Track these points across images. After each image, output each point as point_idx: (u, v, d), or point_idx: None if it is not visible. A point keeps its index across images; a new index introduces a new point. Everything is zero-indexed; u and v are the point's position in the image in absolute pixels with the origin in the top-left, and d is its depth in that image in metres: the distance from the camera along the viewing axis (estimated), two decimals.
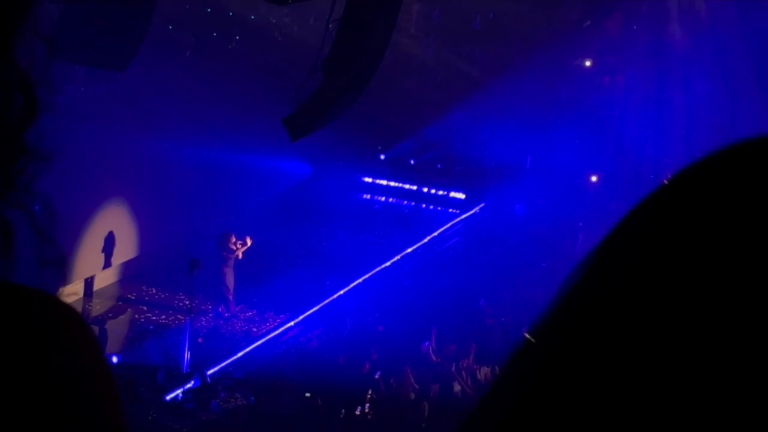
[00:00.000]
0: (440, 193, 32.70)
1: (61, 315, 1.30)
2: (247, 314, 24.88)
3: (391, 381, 20.47)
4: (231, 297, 24.87)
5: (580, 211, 28.85)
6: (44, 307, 1.28)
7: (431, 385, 20.29)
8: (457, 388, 20.35)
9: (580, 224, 28.52)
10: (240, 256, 24.89)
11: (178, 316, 24.22)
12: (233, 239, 24.86)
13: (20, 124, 1.33)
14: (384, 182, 33.08)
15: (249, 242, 25.03)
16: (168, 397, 20.39)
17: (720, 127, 29.49)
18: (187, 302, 23.11)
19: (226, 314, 24.70)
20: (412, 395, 20.06)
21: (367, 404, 19.99)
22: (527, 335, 1.11)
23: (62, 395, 1.23)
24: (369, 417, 19.85)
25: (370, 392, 20.14)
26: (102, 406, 1.27)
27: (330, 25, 18.30)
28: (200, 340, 22.77)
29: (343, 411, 19.79)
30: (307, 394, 20.31)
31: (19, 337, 1.24)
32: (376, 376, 20.40)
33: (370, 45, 18.27)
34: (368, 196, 33.05)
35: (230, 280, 24.87)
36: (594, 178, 31.14)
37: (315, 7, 20.00)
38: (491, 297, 24.67)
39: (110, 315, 24.90)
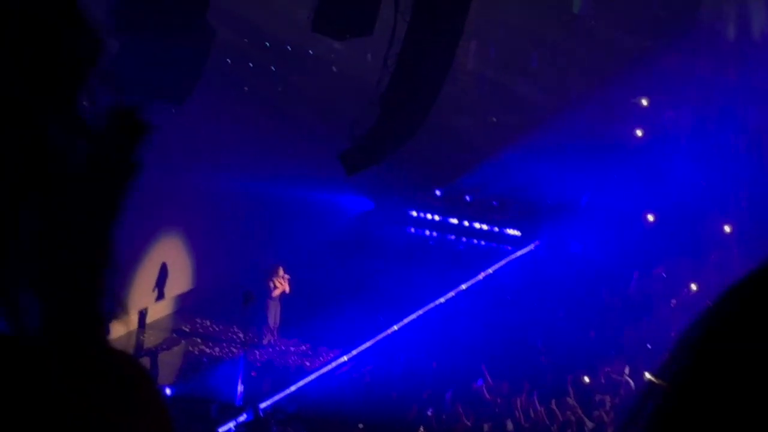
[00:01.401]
0: (495, 229, 32.59)
1: (134, 374, 1.34)
2: (301, 348, 24.88)
3: (443, 417, 20.38)
4: (273, 329, 24.88)
5: (635, 249, 28.62)
6: (118, 367, 1.32)
7: (484, 422, 20.18)
8: (510, 426, 20.22)
9: (636, 264, 28.23)
10: (287, 289, 24.92)
11: (232, 348, 24.27)
12: (281, 272, 24.91)
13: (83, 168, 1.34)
14: (439, 218, 33.01)
15: (286, 278, 25.07)
16: (220, 431, 20.40)
17: None
18: (241, 335, 23.15)
19: (270, 348, 24.71)
20: None
21: None
22: (652, 378, 1.14)
23: None
24: None
25: (421, 429, 20.05)
26: None
27: (387, 61, 18.37)
28: (253, 373, 22.78)
29: None
30: (360, 425, 20.25)
31: (96, 396, 1.26)
32: (429, 413, 20.31)
33: (427, 81, 18.31)
34: (423, 232, 32.99)
35: (273, 313, 24.87)
36: (650, 218, 30.88)
37: (372, 42, 20.05)
38: (546, 335, 24.54)
39: (164, 347, 24.99)
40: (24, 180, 1.25)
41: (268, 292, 24.78)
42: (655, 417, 1.09)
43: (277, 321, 24.93)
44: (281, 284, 24.92)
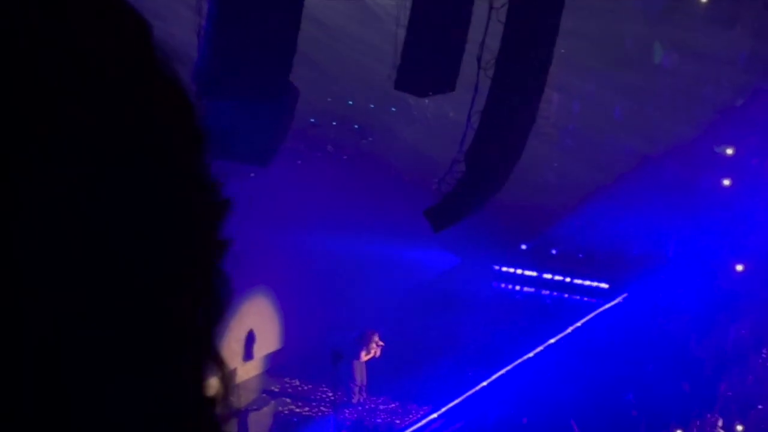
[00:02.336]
0: (582, 282, 32.38)
1: None
2: (390, 406, 24.83)
3: None
4: (362, 388, 24.87)
5: (724, 300, 28.27)
6: None
7: None
8: None
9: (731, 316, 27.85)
10: (377, 355, 24.92)
11: (322, 408, 24.28)
12: (376, 338, 24.93)
13: None
14: (525, 272, 32.89)
15: (380, 345, 25.08)
16: None
17: None
18: (330, 394, 23.16)
19: (359, 407, 24.68)
20: None
21: None
22: None
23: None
24: None
25: None
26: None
27: (471, 118, 18.40)
28: None
29: None
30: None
31: None
32: None
33: (512, 137, 18.31)
34: (509, 286, 32.87)
35: (361, 372, 24.87)
36: (739, 268, 30.50)
37: (455, 98, 20.09)
38: (636, 389, 24.29)
39: (254, 407, 25.06)
40: None
41: (358, 354, 24.82)
42: None
43: (365, 380, 24.91)
44: (374, 350, 24.94)
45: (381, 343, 24.91)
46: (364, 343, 24.71)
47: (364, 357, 24.73)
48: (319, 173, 26.37)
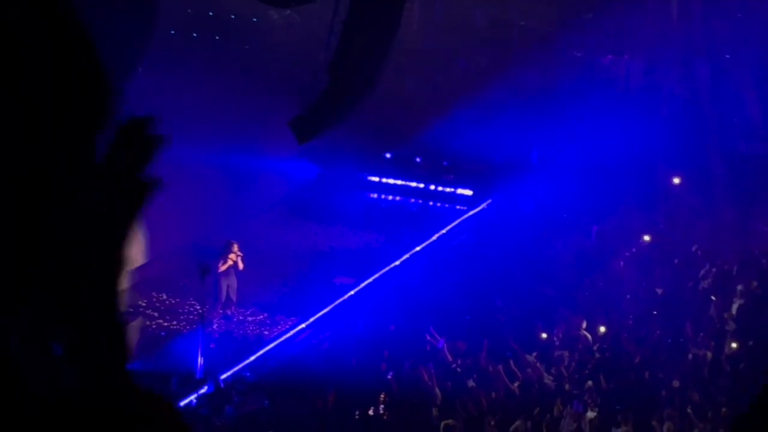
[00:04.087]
0: (447, 190, 32.60)
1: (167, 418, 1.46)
2: (258, 317, 24.84)
3: (405, 379, 20.43)
4: (231, 301, 24.75)
5: (587, 204, 28.70)
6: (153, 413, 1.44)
7: (445, 382, 20.26)
8: (471, 385, 20.32)
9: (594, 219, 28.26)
10: (240, 266, 24.74)
11: (190, 321, 24.19)
12: (236, 248, 24.71)
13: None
14: (391, 181, 32.98)
15: (240, 255, 24.91)
16: (182, 404, 20.36)
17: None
18: (198, 308, 23.10)
19: (228, 319, 24.60)
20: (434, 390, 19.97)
21: (381, 405, 19.96)
22: None
23: None
24: (384, 417, 19.83)
25: (383, 395, 20.10)
26: None
27: (333, 28, 18.31)
28: (212, 345, 22.73)
29: (357, 412, 19.78)
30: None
31: None
32: (389, 376, 20.35)
33: (375, 46, 18.27)
34: (375, 195, 32.96)
35: (229, 286, 24.70)
36: (599, 172, 30.92)
37: (318, 9, 19.98)
38: (503, 293, 24.64)
39: None
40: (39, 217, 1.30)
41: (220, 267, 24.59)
42: None
43: (235, 293, 24.78)
44: (232, 260, 24.67)
45: (240, 253, 24.75)
46: (223, 254, 24.53)
47: (222, 267, 24.54)
48: (180, 85, 26.01)
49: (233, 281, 24.56)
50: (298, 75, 20.56)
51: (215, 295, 24.09)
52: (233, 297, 24.55)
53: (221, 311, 24.54)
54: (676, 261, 25.85)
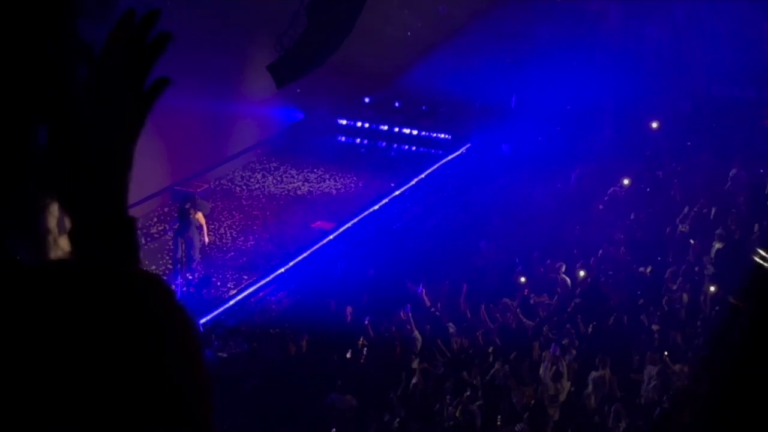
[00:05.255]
0: (425, 134, 32.56)
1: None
2: (238, 262, 24.81)
3: (383, 324, 20.47)
4: (208, 245, 24.53)
5: (565, 148, 28.71)
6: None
7: (424, 326, 20.31)
8: (451, 329, 20.38)
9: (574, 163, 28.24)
10: (206, 239, 24.36)
11: (169, 266, 24.14)
12: (200, 216, 24.10)
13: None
14: (369, 125, 32.92)
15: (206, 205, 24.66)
16: None
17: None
18: (178, 253, 23.07)
19: (206, 264, 24.38)
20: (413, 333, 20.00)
21: (360, 349, 20.01)
22: (735, 301, 1.24)
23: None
24: (361, 361, 19.87)
25: (361, 339, 20.14)
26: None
27: None
28: (191, 289, 22.70)
29: (335, 356, 19.82)
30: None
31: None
32: (366, 322, 20.36)
33: None
34: (354, 140, 32.91)
35: (204, 232, 24.36)
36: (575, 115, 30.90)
37: None
38: (483, 238, 24.68)
39: None
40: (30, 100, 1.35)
41: (190, 222, 24.06)
42: (744, 338, 1.13)
43: (197, 251, 24.30)
44: (199, 221, 24.18)
45: (203, 222, 24.21)
46: (189, 206, 24.12)
47: (176, 226, 24.19)
48: (159, 28, 25.80)
49: (195, 239, 23.96)
50: (276, 19, 20.39)
51: (194, 240, 23.85)
52: (194, 255, 24.00)
53: (179, 268, 23.91)
54: (654, 205, 25.94)
